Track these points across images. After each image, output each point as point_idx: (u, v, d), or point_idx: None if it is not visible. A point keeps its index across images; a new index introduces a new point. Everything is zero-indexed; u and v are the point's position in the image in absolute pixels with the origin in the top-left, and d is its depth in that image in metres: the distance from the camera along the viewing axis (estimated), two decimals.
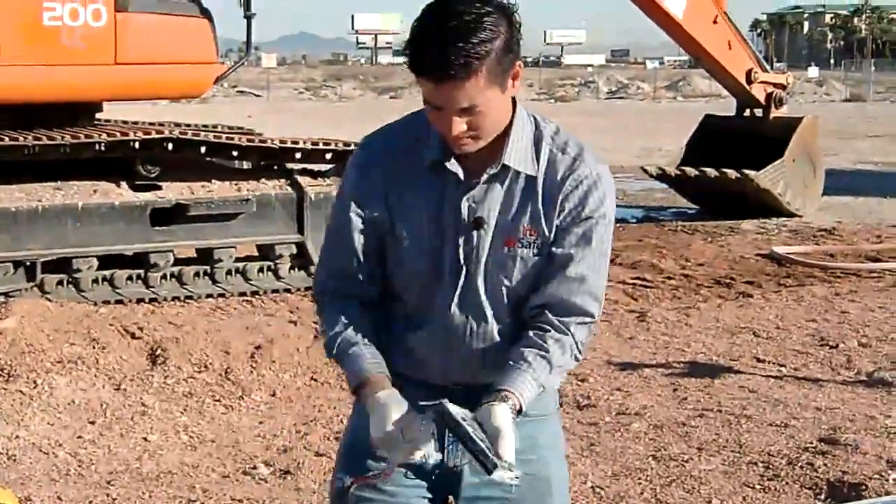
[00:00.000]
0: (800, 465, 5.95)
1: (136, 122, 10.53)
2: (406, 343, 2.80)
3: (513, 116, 2.69)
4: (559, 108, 47.92)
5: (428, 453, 2.58)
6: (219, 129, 10.70)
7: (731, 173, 14.49)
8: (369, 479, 2.68)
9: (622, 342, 8.66)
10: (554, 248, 2.70)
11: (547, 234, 2.70)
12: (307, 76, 66.83)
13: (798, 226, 14.47)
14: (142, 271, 9.50)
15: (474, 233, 2.69)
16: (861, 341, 8.67)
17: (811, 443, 6.30)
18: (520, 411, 2.61)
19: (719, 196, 14.99)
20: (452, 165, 2.68)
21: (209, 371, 7.23)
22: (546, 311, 2.71)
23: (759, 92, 15.44)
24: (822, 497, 5.56)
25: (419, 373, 2.80)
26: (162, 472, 5.85)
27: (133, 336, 7.78)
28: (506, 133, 2.67)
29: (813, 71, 72.44)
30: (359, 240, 2.76)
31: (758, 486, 5.73)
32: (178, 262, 9.73)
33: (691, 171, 15.08)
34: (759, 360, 8.15)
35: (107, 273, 9.36)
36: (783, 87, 15.68)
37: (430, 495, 2.82)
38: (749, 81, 15.34)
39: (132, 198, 9.46)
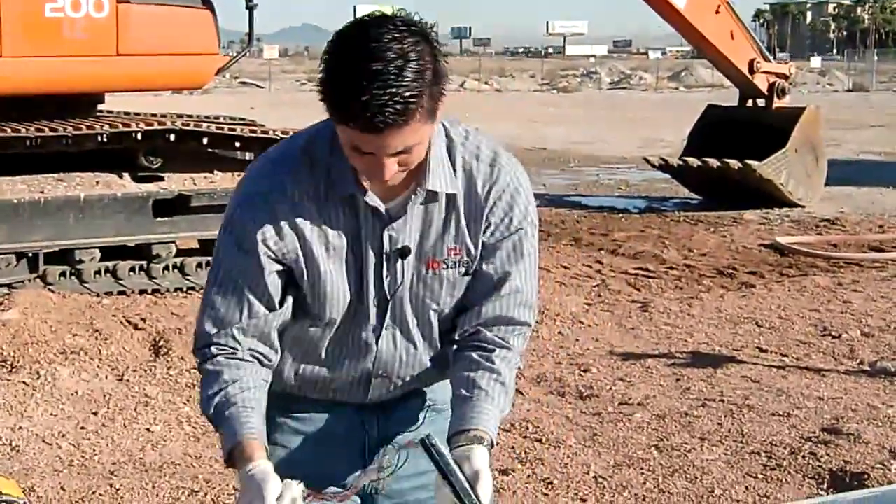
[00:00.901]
0: (802, 454, 5.95)
1: (138, 114, 10.53)
2: (324, 379, 2.65)
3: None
4: (561, 98, 47.91)
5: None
6: (221, 120, 10.70)
7: (734, 163, 14.49)
8: (325, 498, 2.48)
9: (625, 332, 8.66)
10: (484, 266, 2.58)
11: (473, 251, 2.56)
12: (310, 68, 66.67)
13: (801, 216, 14.47)
14: (144, 262, 9.51)
15: (398, 264, 2.54)
16: (864, 331, 8.66)
17: (813, 433, 6.30)
18: (491, 446, 2.51)
19: (722, 186, 15.00)
20: (371, 199, 2.48)
21: None
22: (484, 329, 2.61)
23: (761, 82, 15.43)
24: (825, 487, 5.57)
25: (336, 396, 2.70)
26: (165, 462, 5.85)
27: (136, 327, 7.80)
28: (426, 156, 2.46)
29: (815, 61, 72.33)
30: (260, 284, 2.50)
31: (760, 476, 5.73)
32: (180, 252, 9.73)
33: (694, 161, 15.08)
34: (761, 351, 8.15)
35: (109, 264, 9.36)
36: (786, 78, 15.67)
37: None
38: (752, 71, 15.33)
39: (134, 189, 9.47)
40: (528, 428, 6.38)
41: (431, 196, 2.51)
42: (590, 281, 10.38)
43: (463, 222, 2.55)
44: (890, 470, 5.72)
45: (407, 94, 2.24)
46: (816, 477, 5.70)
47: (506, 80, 60.43)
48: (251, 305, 2.51)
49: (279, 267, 2.50)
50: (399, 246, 2.52)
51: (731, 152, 14.65)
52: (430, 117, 2.33)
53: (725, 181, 14.83)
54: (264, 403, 2.53)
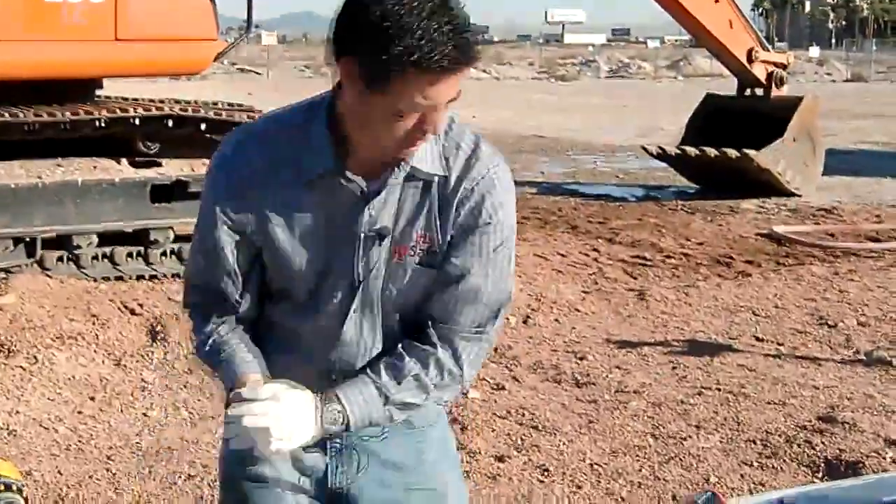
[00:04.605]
0: (797, 443, 5.97)
1: (136, 99, 10.51)
2: (285, 363, 2.55)
3: None
4: (559, 87, 47.88)
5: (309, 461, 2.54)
6: (219, 105, 10.68)
7: (732, 152, 14.50)
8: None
9: (621, 320, 8.68)
10: (447, 258, 2.45)
11: (440, 241, 2.44)
12: (308, 54, 66.61)
13: (798, 205, 14.48)
14: (142, 248, 9.50)
15: (375, 245, 2.44)
16: (860, 320, 8.68)
17: (809, 421, 6.32)
18: (347, 426, 2.46)
19: (719, 175, 15.00)
20: (352, 176, 2.39)
21: None
22: (431, 324, 2.49)
23: (759, 71, 15.43)
24: (820, 475, 5.58)
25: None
26: (162, 447, 5.87)
27: (133, 312, 7.80)
28: None
29: (814, 51, 72.29)
30: (231, 259, 2.50)
31: (756, 464, 5.75)
32: (177, 238, 9.71)
33: (692, 150, 15.09)
34: (757, 339, 8.17)
35: (107, 250, 9.35)
36: (784, 67, 15.68)
37: None
38: (750, 61, 15.33)
39: (132, 174, 9.45)
40: (524, 415, 6.39)
41: (411, 176, 2.42)
42: (586, 269, 10.38)
43: (435, 210, 2.44)
44: (885, 458, 5.74)
45: (469, 28, 2.24)
46: (811, 465, 5.72)
47: (504, 67, 60.36)
48: (224, 277, 2.53)
49: (237, 237, 2.49)
50: (378, 226, 2.43)
51: (729, 141, 14.65)
52: None
53: (723, 170, 14.84)
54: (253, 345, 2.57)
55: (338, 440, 2.59)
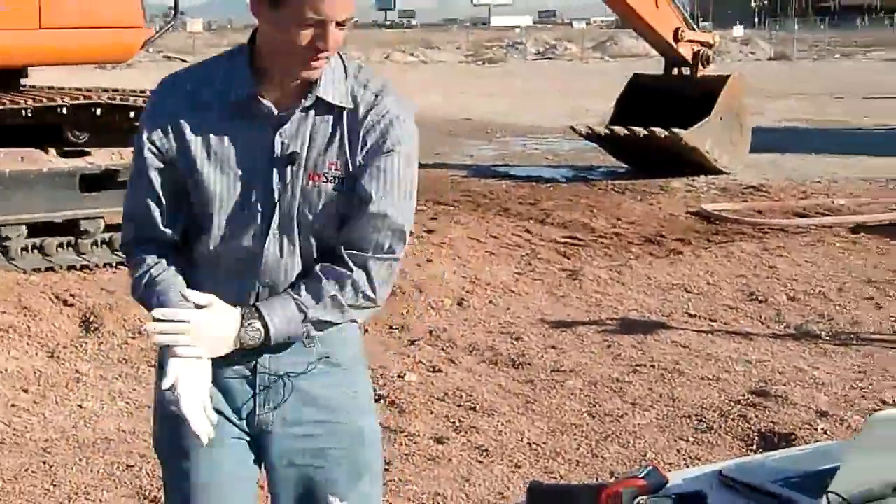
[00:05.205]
0: (732, 417, 6.06)
1: (62, 88, 10.40)
2: (210, 288, 2.68)
3: None
4: (487, 69, 47.91)
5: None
6: (147, 93, 10.59)
7: (660, 131, 14.58)
8: None
9: (555, 300, 8.73)
10: (356, 184, 2.64)
11: (350, 169, 2.64)
12: (233, 41, 66.03)
13: (727, 183, 14.61)
14: (72, 238, 9.41)
15: (288, 169, 2.63)
16: (790, 295, 8.81)
17: (743, 395, 6.42)
18: (267, 337, 2.63)
19: (649, 154, 15.09)
20: (264, 100, 2.62)
21: (144, 337, 7.18)
22: (344, 248, 2.66)
23: (686, 51, 15.54)
24: (754, 448, 5.67)
25: None
26: (99, 438, 5.83)
27: (65, 303, 7.74)
28: None
29: (738, 30, 72.82)
30: (157, 184, 2.69)
31: (691, 439, 5.83)
32: (108, 228, 9.62)
33: (620, 129, 15.17)
34: (690, 316, 8.26)
35: (37, 240, 9.25)
36: (710, 46, 15.81)
37: (248, 455, 2.80)
38: (676, 40, 15.43)
39: (61, 164, 9.36)
40: (461, 397, 6.42)
41: (321, 107, 2.63)
42: (519, 250, 10.42)
43: (345, 140, 2.63)
44: (816, 429, 5.84)
45: None
46: (746, 438, 5.81)
47: (432, 51, 60.28)
48: (151, 203, 2.70)
49: (161, 164, 2.67)
50: (290, 151, 2.62)
51: (657, 121, 14.73)
52: None
53: (652, 149, 14.92)
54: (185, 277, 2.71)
55: (266, 373, 2.73)
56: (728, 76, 15.68)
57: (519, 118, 23.98)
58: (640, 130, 14.82)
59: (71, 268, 9.19)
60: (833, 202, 13.02)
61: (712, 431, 5.91)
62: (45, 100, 9.29)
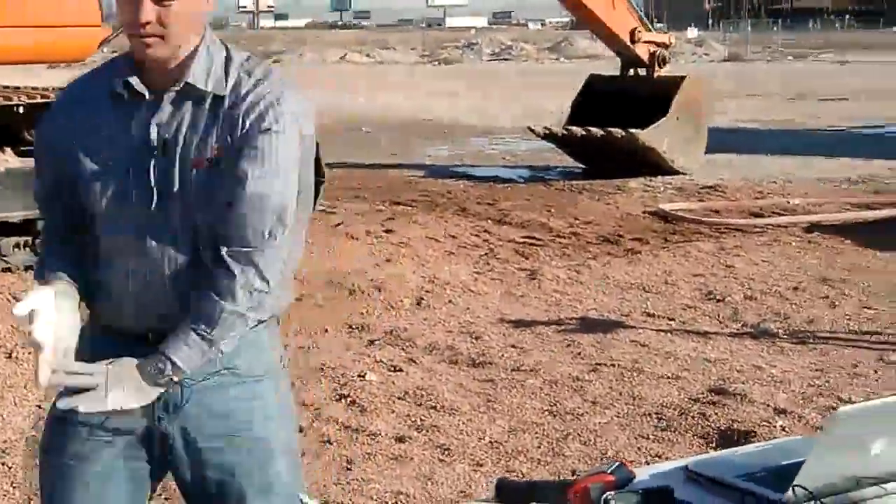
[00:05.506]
0: (692, 415, 6.10)
1: (18, 87, 10.31)
2: (102, 282, 2.70)
3: (203, 38, 2.66)
4: (442, 70, 47.93)
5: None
6: None
7: (617, 132, 14.64)
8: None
9: (514, 300, 8.76)
10: (234, 165, 2.59)
11: (230, 153, 2.60)
12: None
13: (683, 183, 14.68)
14: (29, 238, 9.33)
15: (164, 157, 2.61)
16: (747, 294, 8.87)
17: (702, 393, 6.46)
18: (179, 373, 2.60)
19: (606, 154, 15.14)
20: (137, 84, 2.63)
21: None
22: (226, 249, 2.60)
23: (642, 51, 15.62)
24: (714, 445, 5.70)
25: (117, 319, 2.71)
26: None
27: None
28: (194, 51, 2.63)
29: (692, 31, 73.22)
30: (49, 177, 2.74)
31: (652, 437, 5.86)
32: None
33: (577, 130, 15.22)
34: (649, 315, 8.31)
35: None
36: (666, 47, 15.90)
37: (143, 467, 2.76)
38: (633, 41, 15.50)
39: (18, 164, 9.27)
40: (422, 396, 6.43)
41: (196, 94, 2.62)
42: (478, 250, 10.45)
43: (226, 126, 2.61)
44: (775, 427, 5.89)
45: None
46: (706, 436, 5.85)
47: (387, 52, 60.27)
48: (43, 190, 2.77)
49: (51, 156, 2.74)
50: (164, 138, 2.61)
51: (614, 121, 14.79)
52: None
53: (609, 149, 14.98)
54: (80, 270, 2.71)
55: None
56: (684, 77, 15.78)
57: (475, 119, 24.00)
58: (597, 131, 14.87)
59: (28, 268, 9.11)
60: (788, 202, 13.12)
61: (672, 429, 5.94)
62: (1, 99, 9.21)
